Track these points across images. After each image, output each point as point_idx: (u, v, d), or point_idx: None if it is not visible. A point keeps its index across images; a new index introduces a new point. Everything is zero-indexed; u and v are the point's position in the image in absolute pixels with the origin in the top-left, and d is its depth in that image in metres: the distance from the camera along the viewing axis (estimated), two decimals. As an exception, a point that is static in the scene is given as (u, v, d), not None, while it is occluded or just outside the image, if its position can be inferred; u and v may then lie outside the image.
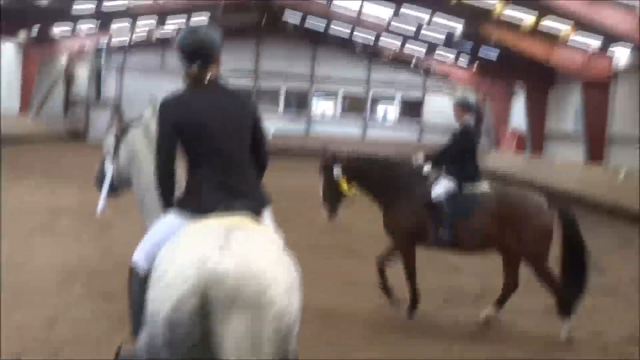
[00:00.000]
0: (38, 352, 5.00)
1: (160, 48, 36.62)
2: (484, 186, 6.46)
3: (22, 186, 14.36)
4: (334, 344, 5.66)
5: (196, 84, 3.33)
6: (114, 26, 30.73)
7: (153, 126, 3.90)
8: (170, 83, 36.16)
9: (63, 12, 25.71)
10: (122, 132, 4.25)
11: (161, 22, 30.77)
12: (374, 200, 6.72)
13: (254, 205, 3.28)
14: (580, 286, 6.08)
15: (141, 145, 4.04)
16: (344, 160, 6.66)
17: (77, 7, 25.47)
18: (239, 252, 2.76)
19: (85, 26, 30.00)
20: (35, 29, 28.70)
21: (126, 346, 3.58)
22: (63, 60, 34.55)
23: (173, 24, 31.58)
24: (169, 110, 3.28)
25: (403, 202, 6.46)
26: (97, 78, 37.27)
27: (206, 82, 3.32)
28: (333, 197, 6.66)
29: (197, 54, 3.30)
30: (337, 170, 6.59)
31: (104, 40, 34.18)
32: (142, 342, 3.06)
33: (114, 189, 4.31)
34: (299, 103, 37.70)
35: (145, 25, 31.48)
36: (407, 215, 6.43)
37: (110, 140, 4.32)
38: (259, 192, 3.39)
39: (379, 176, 6.59)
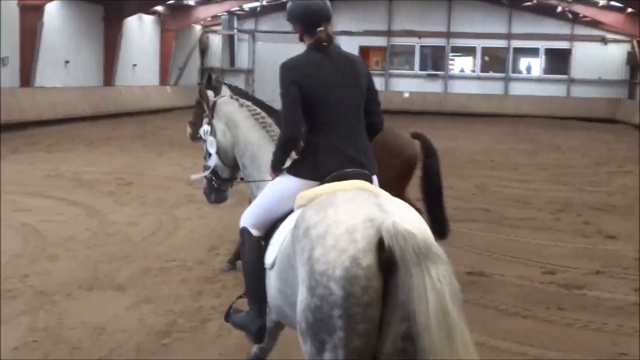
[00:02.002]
0: (186, 322, 5.36)
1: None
2: None
3: (164, 158, 15.17)
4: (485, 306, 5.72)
5: (315, 48, 3.46)
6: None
7: (241, 100, 4.23)
8: (303, 47, 36.88)
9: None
10: (211, 110, 4.33)
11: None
12: None
13: (368, 172, 3.38)
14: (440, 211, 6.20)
15: (239, 116, 4.15)
16: None
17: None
18: (397, 212, 2.79)
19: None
20: (171, 1, 29.95)
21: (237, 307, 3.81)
22: (197, 30, 35.88)
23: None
24: (291, 74, 3.41)
25: None
26: (230, 46, 38.44)
27: (323, 46, 3.44)
28: None
29: (313, 19, 3.46)
30: None
31: (235, 6, 35.11)
32: (270, 306, 3.28)
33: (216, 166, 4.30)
34: (435, 61, 37.04)
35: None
36: None
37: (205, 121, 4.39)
38: (372, 159, 3.48)
39: None
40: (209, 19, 34.71)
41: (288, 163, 3.55)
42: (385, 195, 3.04)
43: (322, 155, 3.36)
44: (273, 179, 3.61)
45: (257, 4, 35.45)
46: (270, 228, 3.48)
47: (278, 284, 3.13)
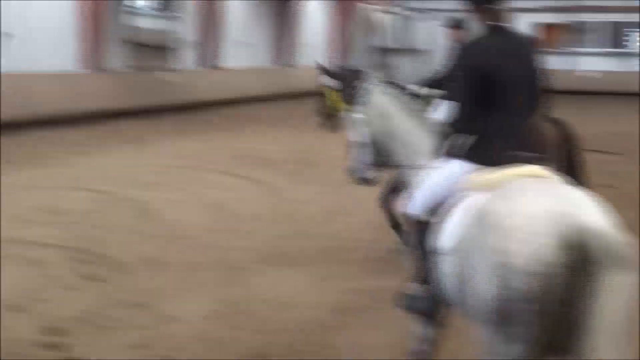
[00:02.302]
0: (365, 302, 5.47)
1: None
2: None
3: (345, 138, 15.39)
4: None
5: (490, 29, 3.41)
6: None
7: (391, 86, 4.22)
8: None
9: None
10: (361, 96, 4.30)
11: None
12: None
13: (540, 157, 3.31)
14: None
15: (391, 103, 4.11)
16: None
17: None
18: (588, 207, 2.75)
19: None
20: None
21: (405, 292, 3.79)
22: (370, 8, 36.05)
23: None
24: (471, 56, 3.38)
25: None
26: (402, 24, 38.25)
27: (499, 27, 3.40)
28: None
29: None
30: None
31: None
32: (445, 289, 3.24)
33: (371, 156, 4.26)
34: (614, 38, 34.75)
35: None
36: None
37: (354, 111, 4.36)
38: (539, 140, 3.45)
39: None
40: (384, -2, 34.74)
41: (455, 147, 3.50)
42: (570, 186, 2.98)
43: (497, 140, 3.33)
44: (434, 164, 3.60)
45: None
46: (437, 212, 3.44)
47: (454, 269, 3.11)
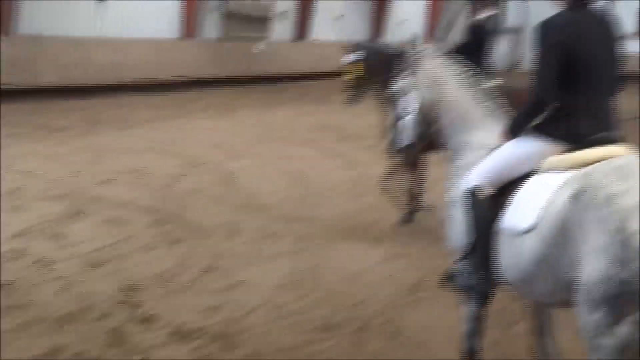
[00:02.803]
0: (435, 281, 5.39)
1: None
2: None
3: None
4: None
5: (573, 6, 3.33)
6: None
7: (446, 55, 4.09)
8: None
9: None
10: (412, 63, 4.09)
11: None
12: None
13: (619, 133, 3.30)
14: None
15: (445, 72, 3.95)
16: None
17: None
18: None
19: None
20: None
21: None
22: (469, -14, 35.24)
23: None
24: (555, 33, 3.28)
25: None
26: (500, 2, 37.29)
27: (583, 4, 3.34)
28: None
29: None
30: None
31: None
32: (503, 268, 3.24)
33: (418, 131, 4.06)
34: None
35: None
36: None
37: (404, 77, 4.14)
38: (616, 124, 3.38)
39: None
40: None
41: (536, 123, 3.40)
42: None
43: (581, 118, 3.27)
44: (504, 142, 3.49)
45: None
46: (508, 187, 3.36)
47: (539, 248, 3.01)
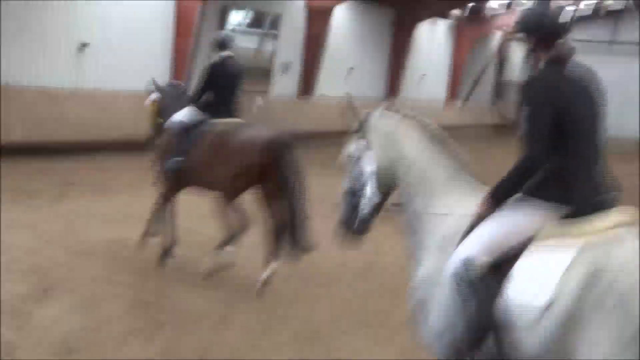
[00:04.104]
0: None
1: (611, 19, 35.73)
2: (230, 122, 7.50)
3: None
4: None
5: (554, 63, 3.60)
6: (556, -4, 30.86)
7: (405, 112, 4.26)
8: (620, 61, 35.38)
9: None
10: (363, 122, 4.29)
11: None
12: None
13: (616, 195, 3.54)
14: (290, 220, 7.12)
15: (403, 127, 4.13)
16: None
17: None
18: None
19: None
20: (468, 6, 30.33)
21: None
22: (496, 39, 35.87)
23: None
24: (547, 92, 3.52)
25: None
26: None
27: (564, 61, 3.60)
28: None
29: (552, 30, 3.60)
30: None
31: (544, 13, 34.54)
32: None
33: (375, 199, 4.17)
34: None
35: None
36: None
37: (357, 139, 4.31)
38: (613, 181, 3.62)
39: None
40: (512, 26, 34.50)
41: (530, 185, 3.59)
42: None
43: (577, 180, 3.49)
44: (485, 209, 3.64)
45: (571, 8, 34.54)
46: (507, 259, 3.50)
47: (555, 327, 3.22)
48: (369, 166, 4.16)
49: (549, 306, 3.24)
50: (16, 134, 14.00)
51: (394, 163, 4.10)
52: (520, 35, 3.69)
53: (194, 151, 7.54)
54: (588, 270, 3.15)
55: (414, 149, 4.04)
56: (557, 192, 3.50)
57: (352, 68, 26.17)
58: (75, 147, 14.42)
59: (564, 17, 3.67)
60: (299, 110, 22.93)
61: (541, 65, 3.64)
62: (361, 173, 4.19)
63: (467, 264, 3.51)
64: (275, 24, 22.66)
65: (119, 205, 10.44)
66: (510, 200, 3.61)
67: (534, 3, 3.83)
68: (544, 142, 3.46)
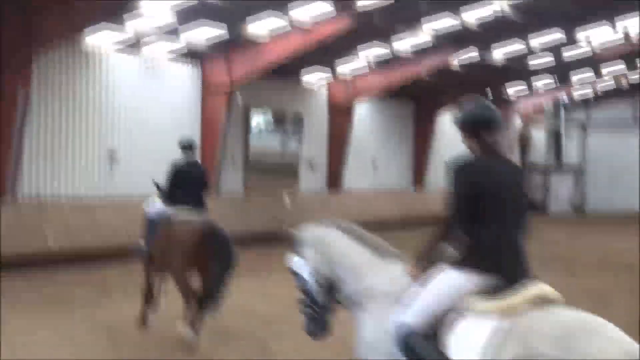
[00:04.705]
0: None
1: (631, 97, 35.98)
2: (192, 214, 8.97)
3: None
4: None
5: (485, 152, 4.23)
6: (575, 78, 31.17)
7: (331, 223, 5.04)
8: (637, 137, 35.44)
9: (518, 70, 27.06)
10: (297, 243, 5.07)
11: (631, 66, 30.21)
12: None
13: (530, 271, 4.11)
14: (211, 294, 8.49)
15: (332, 235, 4.93)
16: None
17: (533, 62, 26.55)
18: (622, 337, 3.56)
19: (541, 82, 31.06)
20: (487, 93, 30.70)
21: None
22: (518, 123, 36.15)
23: (646, 67, 30.74)
24: (468, 173, 4.16)
25: None
26: (556, 140, 38.05)
27: (492, 151, 4.23)
28: None
29: (490, 125, 4.25)
30: None
31: (562, 95, 34.89)
32: None
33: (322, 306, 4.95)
34: None
35: (611, 73, 31.26)
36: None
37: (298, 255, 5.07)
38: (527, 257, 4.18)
39: None
40: (531, 110, 34.85)
41: (454, 258, 4.19)
42: (589, 315, 3.72)
43: (497, 253, 4.04)
44: (415, 277, 4.33)
45: (589, 90, 34.86)
46: (439, 326, 4.06)
47: None
48: (308, 276, 4.93)
49: None
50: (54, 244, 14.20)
51: (327, 267, 4.86)
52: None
53: (154, 238, 9.06)
54: (513, 347, 3.63)
55: (338, 250, 4.81)
56: (483, 264, 4.02)
57: (375, 162, 26.43)
58: (109, 254, 14.52)
59: (495, 116, 4.29)
60: (328, 204, 23.07)
61: (473, 153, 4.27)
62: (304, 284, 4.96)
63: (406, 331, 4.06)
64: (297, 123, 23.08)
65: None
66: (441, 272, 4.16)
67: (471, 103, 4.44)
68: (458, 212, 4.10)
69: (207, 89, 19.41)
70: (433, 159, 29.38)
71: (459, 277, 4.05)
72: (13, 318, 9.53)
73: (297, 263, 5.04)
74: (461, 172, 4.18)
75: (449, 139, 30.92)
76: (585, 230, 26.26)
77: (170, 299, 9.42)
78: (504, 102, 32.63)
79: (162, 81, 18.63)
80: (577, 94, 35.30)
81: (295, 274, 5.04)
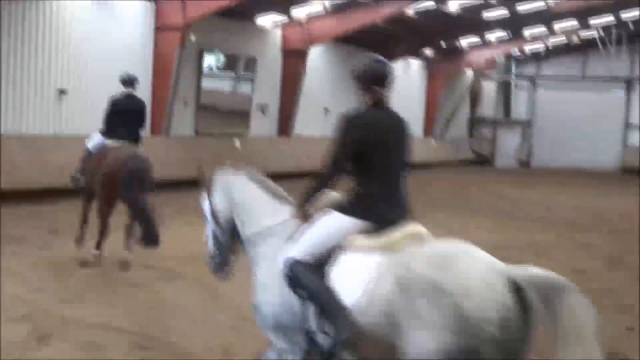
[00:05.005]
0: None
1: (581, 54, 36.42)
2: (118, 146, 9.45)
3: (428, 220, 15.45)
4: None
5: (374, 105, 4.53)
6: (527, 32, 31.40)
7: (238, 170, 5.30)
8: (593, 94, 36.04)
9: (472, 22, 27.12)
10: (208, 187, 5.35)
11: (583, 23, 30.53)
12: None
13: (409, 214, 4.51)
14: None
15: (234, 180, 5.22)
16: None
17: (488, 15, 26.63)
18: (489, 257, 4.05)
19: (494, 35, 31.22)
20: (441, 43, 30.78)
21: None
22: (469, 75, 36.38)
23: (598, 24, 31.10)
24: (353, 123, 4.48)
25: None
26: (505, 94, 38.44)
27: (380, 104, 4.52)
28: None
29: (381, 80, 4.52)
30: None
31: (514, 49, 35.16)
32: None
33: (222, 245, 5.27)
34: None
35: (563, 29, 31.55)
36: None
37: (206, 197, 5.35)
38: (408, 202, 4.59)
39: None
40: (483, 63, 35.08)
41: (338, 202, 4.57)
42: (460, 243, 4.19)
43: (378, 200, 4.41)
44: (301, 220, 4.67)
45: (540, 46, 35.18)
46: (324, 261, 4.44)
47: (369, 324, 4.08)
48: (212, 218, 5.24)
49: (362, 305, 4.12)
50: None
51: (230, 209, 5.17)
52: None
53: (89, 170, 9.66)
54: (395, 280, 4.01)
55: (241, 194, 5.11)
56: (363, 210, 4.40)
57: (327, 109, 26.42)
58: (58, 192, 14.35)
59: (389, 73, 4.56)
60: (277, 150, 23.04)
61: (363, 105, 4.55)
62: (211, 224, 5.26)
63: (292, 264, 4.41)
64: (250, 66, 22.86)
65: (105, 249, 10.39)
66: (327, 215, 4.51)
67: (367, 57, 4.66)
68: (339, 159, 4.46)
69: (160, 27, 19.06)
70: (445, 105, 29.43)
71: (343, 219, 4.41)
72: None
73: (206, 205, 5.32)
74: (350, 122, 4.50)
75: (401, 88, 31.06)
76: (529, 184, 26.69)
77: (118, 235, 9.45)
78: (456, 53, 32.77)
79: (114, 17, 18.21)
80: (528, 48, 35.61)
81: (205, 216, 5.34)
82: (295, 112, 24.31)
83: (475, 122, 37.95)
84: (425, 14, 24.67)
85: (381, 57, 4.65)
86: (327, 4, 22.27)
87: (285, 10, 22.46)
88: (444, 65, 32.96)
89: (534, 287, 3.77)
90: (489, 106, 38.19)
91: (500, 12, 26.50)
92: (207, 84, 21.42)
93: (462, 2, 24.28)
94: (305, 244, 4.47)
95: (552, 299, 3.75)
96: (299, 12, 22.71)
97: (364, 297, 4.11)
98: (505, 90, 38.40)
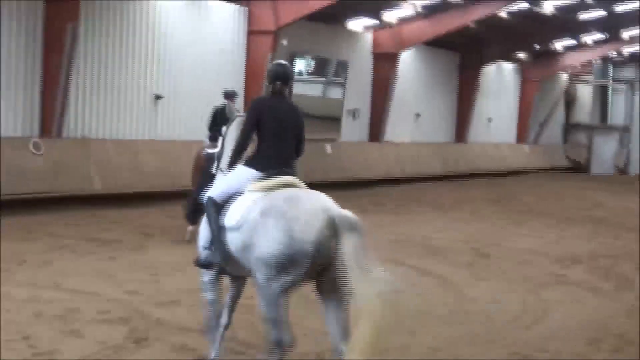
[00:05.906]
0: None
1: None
2: None
3: (524, 228, 15.20)
4: None
5: (275, 94, 6.07)
6: (625, 34, 30.53)
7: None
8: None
9: (567, 24, 26.54)
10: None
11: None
12: None
13: (294, 172, 5.96)
14: None
15: (232, 130, 6.42)
16: None
17: (584, 16, 26.02)
18: (329, 203, 5.43)
19: (590, 37, 30.48)
20: (535, 46, 30.22)
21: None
22: (564, 79, 35.58)
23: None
24: (257, 107, 6.05)
25: None
26: (602, 98, 37.41)
27: (280, 95, 6.08)
28: None
29: (280, 77, 6.06)
30: None
31: (611, 52, 34.22)
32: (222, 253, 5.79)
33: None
34: None
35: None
36: None
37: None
38: (295, 166, 6.06)
39: None
40: (579, 66, 34.26)
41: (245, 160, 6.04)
42: (314, 192, 5.64)
43: (270, 158, 5.88)
44: (229, 171, 6.12)
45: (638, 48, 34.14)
46: (228, 200, 5.87)
47: (241, 238, 5.53)
48: (228, 139, 6.43)
49: (238, 225, 5.58)
50: (96, 185, 14.38)
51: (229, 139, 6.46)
52: None
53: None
54: (260, 209, 5.43)
55: (230, 138, 6.34)
56: (260, 165, 5.84)
57: (418, 114, 26.27)
58: (151, 196, 14.69)
59: (287, 73, 6.10)
60: (368, 155, 23.02)
61: (268, 94, 6.13)
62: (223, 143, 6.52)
63: (208, 200, 5.93)
64: (340, 70, 22.89)
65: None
66: (237, 168, 5.97)
67: (278, 62, 6.29)
68: (246, 138, 6.02)
69: (252, 31, 19.30)
70: (477, 112, 29.12)
71: (246, 170, 5.89)
72: (56, 258, 9.75)
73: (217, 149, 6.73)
74: (256, 103, 6.14)
75: (493, 92, 30.64)
76: (626, 192, 25.89)
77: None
78: (551, 56, 32.10)
79: (208, 20, 18.54)
80: (626, 50, 34.60)
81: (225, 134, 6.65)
82: (386, 117, 24.24)
83: (570, 128, 37.11)
84: (518, 15, 24.28)
85: (283, 61, 6.40)
86: (418, 5, 22.15)
87: (376, 14, 22.44)
88: (538, 68, 32.32)
89: (346, 223, 5.19)
90: (584, 111, 37.28)
91: (597, 13, 25.87)
92: (297, 89, 21.52)
93: (557, 2, 23.79)
94: (218, 187, 6.05)
95: (343, 232, 5.16)
96: (390, 16, 22.65)
97: (241, 219, 5.58)
98: (601, 94, 37.33)
